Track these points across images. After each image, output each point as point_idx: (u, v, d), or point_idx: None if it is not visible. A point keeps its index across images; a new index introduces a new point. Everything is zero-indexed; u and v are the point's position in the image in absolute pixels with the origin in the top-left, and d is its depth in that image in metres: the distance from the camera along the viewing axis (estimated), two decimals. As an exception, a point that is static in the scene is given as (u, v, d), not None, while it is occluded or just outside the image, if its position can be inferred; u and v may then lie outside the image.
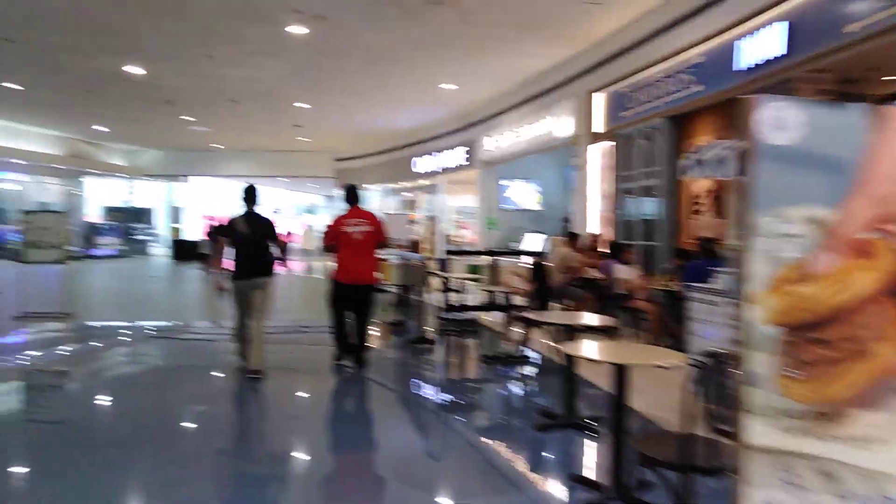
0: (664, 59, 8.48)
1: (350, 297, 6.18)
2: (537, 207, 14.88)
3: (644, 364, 3.06)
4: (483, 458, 4.19)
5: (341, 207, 6.60)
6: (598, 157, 10.57)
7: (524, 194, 14.76)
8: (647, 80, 8.96)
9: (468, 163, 15.82)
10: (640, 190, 9.48)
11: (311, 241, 30.99)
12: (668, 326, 6.48)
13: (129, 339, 8.32)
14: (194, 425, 4.97)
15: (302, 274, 18.82)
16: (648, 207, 9.29)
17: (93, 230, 23.65)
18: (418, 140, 18.38)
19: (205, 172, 25.56)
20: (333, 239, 6.22)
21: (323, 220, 36.00)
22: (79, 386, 6.06)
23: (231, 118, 17.22)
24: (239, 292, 5.80)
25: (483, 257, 11.22)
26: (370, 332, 6.66)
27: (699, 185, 8.57)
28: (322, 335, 7.05)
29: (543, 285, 6.50)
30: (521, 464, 4.12)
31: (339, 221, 6.24)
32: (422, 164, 18.39)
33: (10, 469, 3.91)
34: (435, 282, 8.54)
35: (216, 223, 20.01)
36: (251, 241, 5.79)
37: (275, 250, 5.94)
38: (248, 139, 21.27)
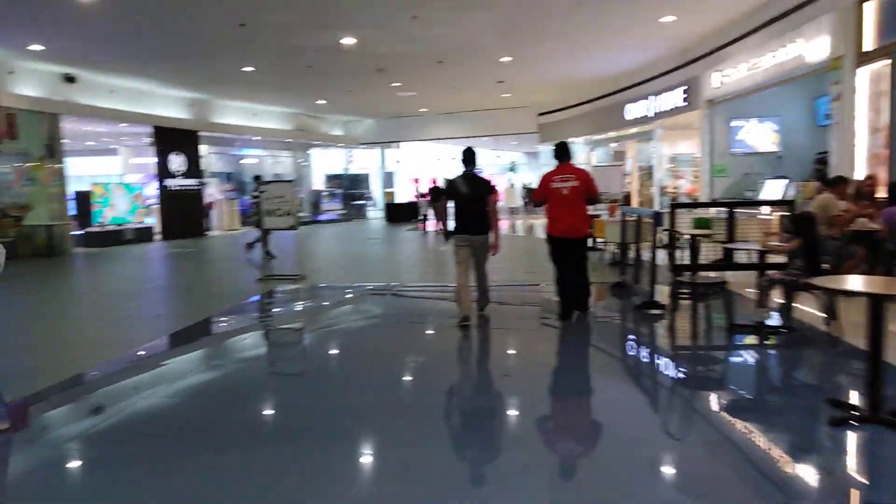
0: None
1: (563, 251, 6.30)
2: (774, 149, 12.94)
3: None
4: (753, 456, 3.36)
5: (544, 164, 6.97)
6: (864, 82, 8.69)
7: (758, 135, 12.90)
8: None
9: (686, 104, 14.23)
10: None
11: (514, 200, 30.98)
12: None
13: (356, 298, 8.73)
14: (412, 376, 5.03)
15: (507, 232, 18.69)
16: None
17: (318, 197, 25.86)
18: (628, 84, 17.00)
19: (413, 137, 26.53)
20: (543, 194, 6.35)
21: (524, 178, 35.83)
22: (314, 340, 6.46)
23: (437, 80, 17.37)
24: (460, 246, 6.15)
25: (714, 209, 9.98)
26: (589, 285, 6.59)
27: None
28: (535, 293, 7.73)
29: (811, 241, 5.37)
30: (813, 468, 3.30)
31: (549, 177, 6.33)
32: (633, 110, 17.03)
33: (262, 415, 4.13)
34: (661, 238, 7.71)
35: (434, 185, 20.80)
36: (470, 200, 6.12)
37: (490, 208, 6.23)
38: (452, 100, 21.46)
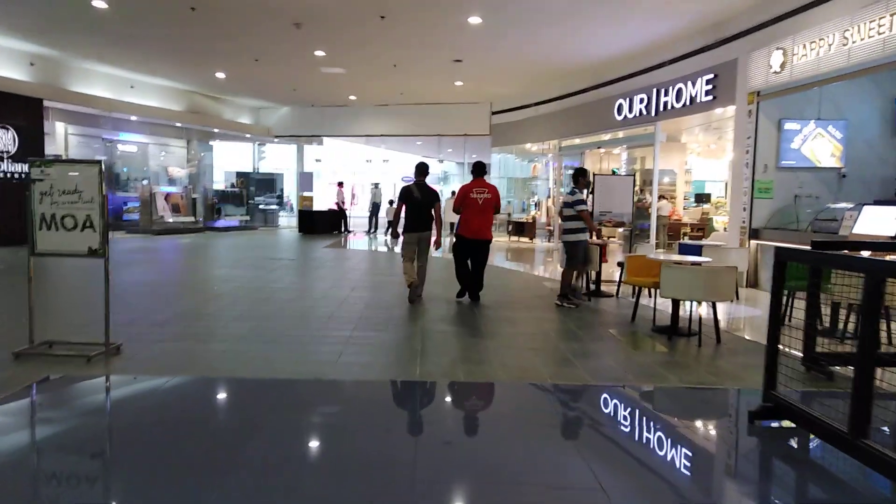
0: None
1: (470, 249, 7.78)
2: (834, 164, 9.55)
3: None
4: None
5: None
6: None
7: (818, 144, 9.45)
8: None
9: (712, 98, 10.69)
10: None
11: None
12: None
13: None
14: None
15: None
16: None
17: (215, 198, 20.92)
18: (621, 75, 13.40)
19: (339, 132, 22.10)
20: (461, 203, 7.78)
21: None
22: None
23: (374, 50, 13.16)
24: (409, 242, 7.65)
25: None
26: (483, 279, 7.84)
27: None
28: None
29: None
30: None
31: (468, 189, 7.77)
32: (626, 108, 13.42)
33: None
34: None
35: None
36: (419, 205, 7.60)
37: (435, 213, 7.75)
38: (390, 85, 17.24)
